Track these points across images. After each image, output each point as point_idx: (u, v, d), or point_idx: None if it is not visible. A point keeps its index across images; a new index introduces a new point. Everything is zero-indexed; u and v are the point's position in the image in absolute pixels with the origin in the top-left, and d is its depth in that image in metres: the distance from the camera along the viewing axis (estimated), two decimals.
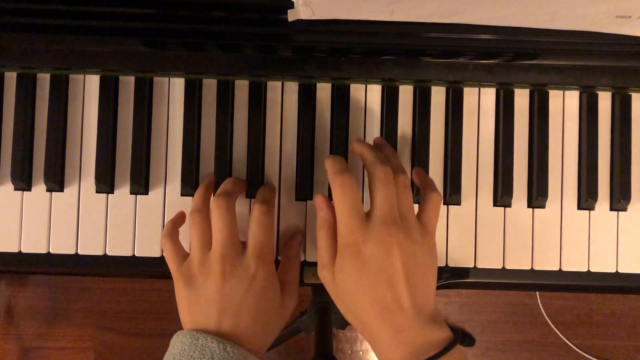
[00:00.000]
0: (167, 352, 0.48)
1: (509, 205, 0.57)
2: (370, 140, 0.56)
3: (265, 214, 0.50)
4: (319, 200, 0.50)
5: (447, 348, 0.44)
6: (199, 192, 0.53)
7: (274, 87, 0.57)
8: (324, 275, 0.49)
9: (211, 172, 0.56)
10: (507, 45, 0.51)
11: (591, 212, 0.57)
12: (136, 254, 0.56)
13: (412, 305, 0.45)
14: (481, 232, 0.56)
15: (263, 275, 0.49)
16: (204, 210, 0.51)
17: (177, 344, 0.47)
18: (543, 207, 0.57)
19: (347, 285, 0.47)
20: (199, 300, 0.48)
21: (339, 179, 0.47)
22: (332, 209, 0.49)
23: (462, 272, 0.57)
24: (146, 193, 0.56)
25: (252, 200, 0.55)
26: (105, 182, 0.55)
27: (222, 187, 0.52)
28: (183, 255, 0.51)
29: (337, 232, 0.48)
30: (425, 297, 0.46)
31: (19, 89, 0.56)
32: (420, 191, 0.53)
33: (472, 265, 0.56)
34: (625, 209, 0.57)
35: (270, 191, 0.54)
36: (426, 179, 0.53)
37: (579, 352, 1.30)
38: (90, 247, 0.56)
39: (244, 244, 0.51)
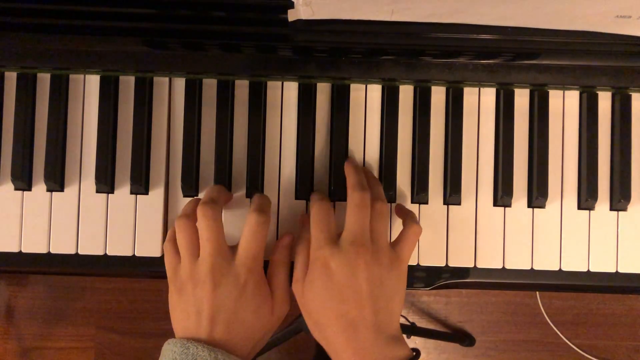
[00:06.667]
0: None
1: (509, 205, 0.57)
2: (369, 141, 0.57)
3: (261, 225, 0.50)
4: (301, 219, 0.55)
5: None
6: (192, 200, 0.53)
7: (274, 87, 0.57)
8: (296, 289, 0.51)
9: (211, 174, 0.56)
10: (507, 45, 0.51)
11: (591, 212, 0.57)
12: (136, 254, 0.56)
13: (374, 323, 0.47)
14: (481, 232, 0.56)
15: (253, 283, 0.49)
16: (192, 216, 0.50)
17: (168, 352, 0.47)
18: (543, 207, 0.57)
19: (315, 298, 0.48)
20: (189, 309, 0.48)
21: (317, 203, 0.51)
22: None
23: (462, 272, 0.57)
24: (146, 193, 0.56)
25: (250, 200, 0.55)
26: (105, 182, 0.55)
27: (207, 194, 0.52)
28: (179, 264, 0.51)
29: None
30: (388, 318, 0.48)
31: (19, 89, 0.56)
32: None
33: (472, 265, 0.56)
34: (625, 209, 0.57)
35: (267, 199, 0.54)
36: (408, 212, 0.55)
37: (579, 352, 1.29)
38: (90, 247, 0.56)
39: (232, 248, 0.50)
